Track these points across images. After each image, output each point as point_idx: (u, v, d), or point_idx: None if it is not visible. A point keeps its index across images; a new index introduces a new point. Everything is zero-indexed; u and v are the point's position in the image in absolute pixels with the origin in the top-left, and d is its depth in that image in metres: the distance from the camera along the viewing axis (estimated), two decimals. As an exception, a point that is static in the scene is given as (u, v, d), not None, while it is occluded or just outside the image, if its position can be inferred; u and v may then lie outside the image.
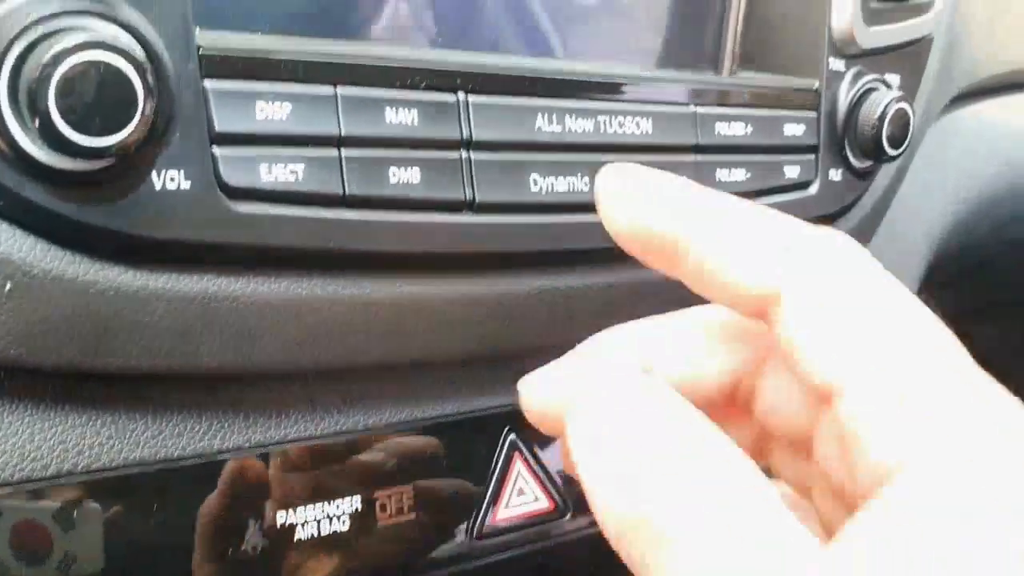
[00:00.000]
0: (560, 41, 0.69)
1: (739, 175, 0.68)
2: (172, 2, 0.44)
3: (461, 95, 0.54)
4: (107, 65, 0.40)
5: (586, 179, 0.59)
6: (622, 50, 0.73)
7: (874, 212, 0.81)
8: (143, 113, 0.41)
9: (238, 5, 0.54)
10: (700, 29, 0.77)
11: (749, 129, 0.68)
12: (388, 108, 0.51)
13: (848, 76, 0.75)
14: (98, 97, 0.40)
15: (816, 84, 0.74)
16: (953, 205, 1.12)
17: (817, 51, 0.74)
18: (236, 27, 0.52)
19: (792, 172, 0.72)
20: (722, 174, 0.67)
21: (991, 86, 1.15)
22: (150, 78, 0.41)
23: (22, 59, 0.40)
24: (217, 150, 0.46)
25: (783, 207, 0.70)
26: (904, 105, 0.75)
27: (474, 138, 0.55)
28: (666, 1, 0.75)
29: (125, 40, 0.41)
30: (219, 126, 0.46)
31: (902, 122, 0.75)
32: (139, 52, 0.41)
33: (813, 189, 0.74)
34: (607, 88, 0.61)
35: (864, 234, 0.81)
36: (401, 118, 0.51)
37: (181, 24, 0.45)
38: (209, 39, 0.46)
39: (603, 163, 0.40)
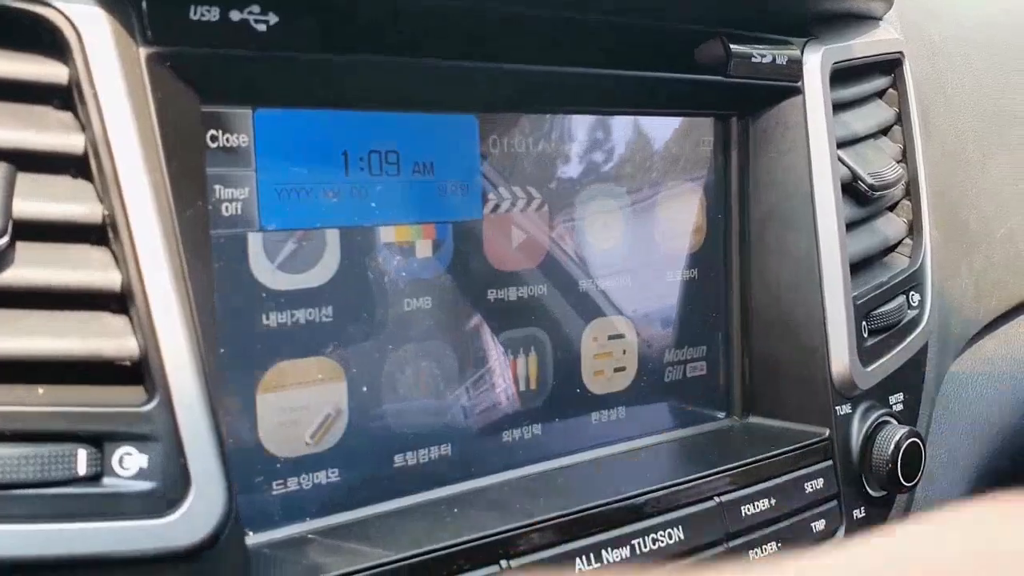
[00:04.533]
0: (583, 434, 0.73)
1: (771, 548, 0.70)
2: None
3: (504, 563, 0.57)
4: None
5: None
6: (640, 420, 0.77)
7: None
8: None
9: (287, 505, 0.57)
10: (710, 379, 0.81)
11: (773, 501, 0.71)
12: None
13: (856, 416, 0.79)
14: None
15: (827, 432, 0.77)
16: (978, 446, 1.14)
17: (822, 398, 0.78)
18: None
19: (819, 525, 0.75)
20: (754, 553, 0.69)
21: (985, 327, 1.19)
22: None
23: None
24: None
25: (816, 565, 0.73)
26: (915, 439, 0.78)
27: (520, 601, 0.57)
28: (674, 351, 0.79)
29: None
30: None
31: (915, 456, 0.78)
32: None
33: (840, 535, 0.76)
34: (635, 508, 0.64)
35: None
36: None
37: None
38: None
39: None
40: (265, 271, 0.57)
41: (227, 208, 0.56)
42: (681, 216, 0.78)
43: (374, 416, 0.62)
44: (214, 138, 0.55)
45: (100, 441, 0.46)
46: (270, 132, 0.57)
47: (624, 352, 0.75)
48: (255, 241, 0.57)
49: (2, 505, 0.44)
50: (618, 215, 0.74)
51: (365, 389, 0.62)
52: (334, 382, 0.60)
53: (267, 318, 0.58)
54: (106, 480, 0.46)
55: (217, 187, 0.55)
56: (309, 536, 0.57)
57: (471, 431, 0.67)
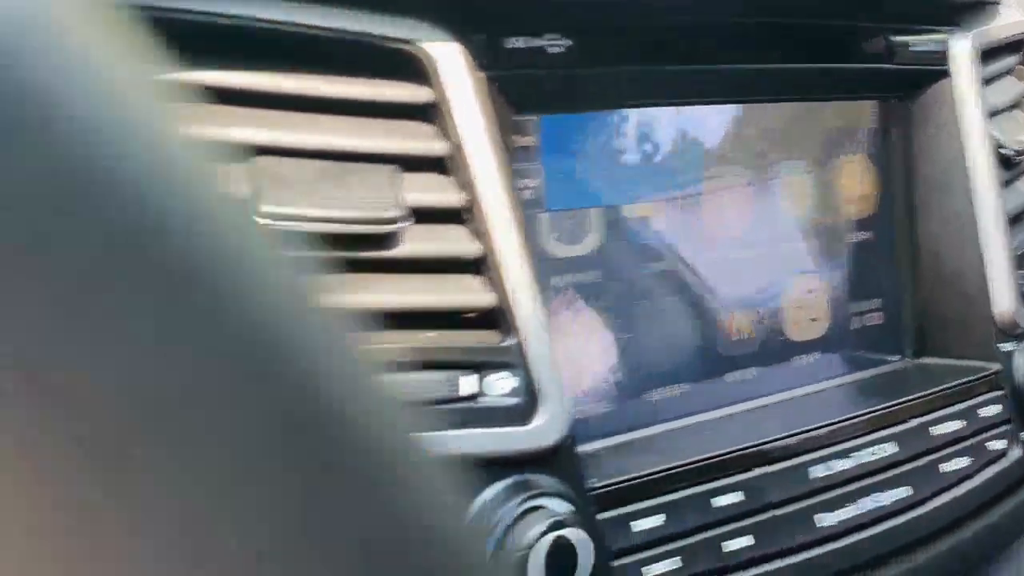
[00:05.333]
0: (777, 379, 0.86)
1: (963, 463, 0.83)
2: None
3: (757, 470, 0.71)
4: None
5: (851, 509, 0.74)
6: (831, 363, 0.89)
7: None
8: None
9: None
10: (886, 326, 0.94)
11: (960, 424, 0.83)
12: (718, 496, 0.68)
13: (1020, 352, 0.90)
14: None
15: (996, 366, 0.89)
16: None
17: (987, 338, 0.89)
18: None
19: (999, 444, 0.86)
20: (946, 467, 0.82)
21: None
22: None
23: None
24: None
25: (991, 480, 0.85)
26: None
27: (772, 500, 0.71)
28: (849, 305, 0.92)
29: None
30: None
31: (1077, 384, 0.89)
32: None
33: (1015, 454, 0.88)
34: (855, 427, 0.77)
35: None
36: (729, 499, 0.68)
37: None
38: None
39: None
40: (551, 243, 0.72)
41: (524, 195, 0.71)
42: (857, 187, 0.91)
43: (634, 359, 0.76)
44: (514, 140, 0.70)
45: (478, 369, 0.61)
46: (552, 134, 0.72)
47: (817, 305, 0.88)
48: (543, 220, 0.72)
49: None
50: (808, 187, 0.88)
51: (626, 336, 0.76)
52: (605, 331, 0.75)
53: (555, 279, 0.72)
54: (481, 399, 0.61)
55: (516, 179, 0.70)
56: (603, 450, 0.71)
57: (703, 373, 0.81)
